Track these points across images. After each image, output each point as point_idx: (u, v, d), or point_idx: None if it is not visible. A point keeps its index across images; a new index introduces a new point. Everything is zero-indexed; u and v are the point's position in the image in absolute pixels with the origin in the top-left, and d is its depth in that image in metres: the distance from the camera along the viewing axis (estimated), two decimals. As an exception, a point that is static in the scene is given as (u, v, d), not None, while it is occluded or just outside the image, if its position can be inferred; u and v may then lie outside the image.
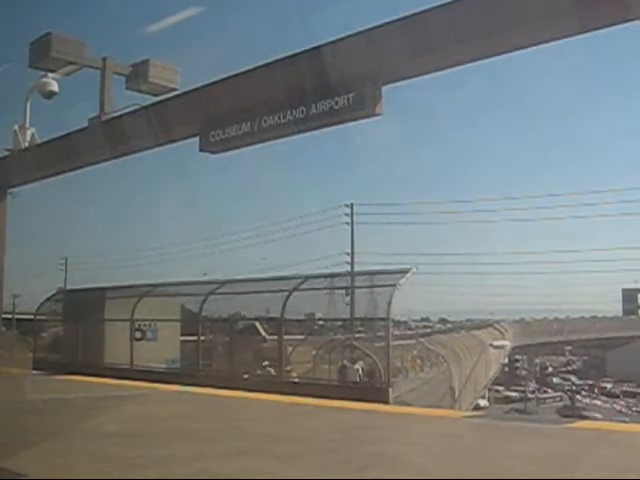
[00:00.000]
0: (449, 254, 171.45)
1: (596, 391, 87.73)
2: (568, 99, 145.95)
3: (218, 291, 23.82)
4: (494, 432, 13.39)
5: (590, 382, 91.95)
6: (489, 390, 70.13)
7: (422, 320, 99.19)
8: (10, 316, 52.30)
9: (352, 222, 60.03)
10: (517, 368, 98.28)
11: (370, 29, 9.65)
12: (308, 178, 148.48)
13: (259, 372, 22.43)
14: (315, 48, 10.30)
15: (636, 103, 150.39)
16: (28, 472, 8.54)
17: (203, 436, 12.13)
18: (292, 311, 21.57)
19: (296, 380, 21.06)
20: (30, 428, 12.38)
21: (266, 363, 22.51)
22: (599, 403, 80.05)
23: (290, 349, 22.31)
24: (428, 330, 74.72)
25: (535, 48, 9.11)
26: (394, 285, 18.40)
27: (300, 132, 11.42)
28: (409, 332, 62.24)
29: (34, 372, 26.09)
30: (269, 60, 11.09)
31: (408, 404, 22.49)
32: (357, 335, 23.08)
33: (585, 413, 60.93)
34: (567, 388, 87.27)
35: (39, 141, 15.89)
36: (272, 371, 21.52)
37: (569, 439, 12.29)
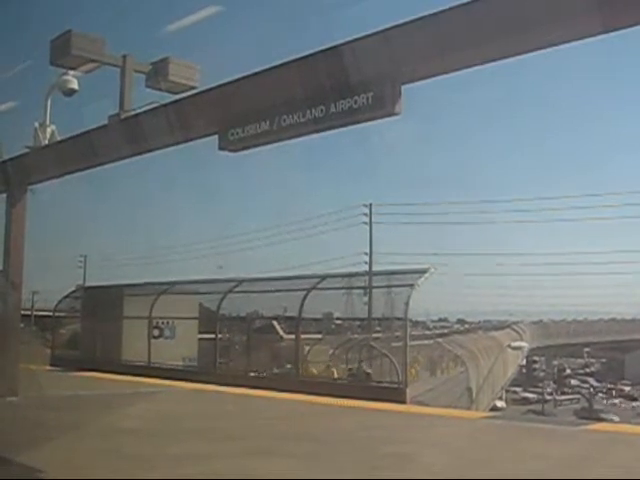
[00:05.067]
0: (468, 254, 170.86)
1: (614, 393, 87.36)
2: (590, 100, 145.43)
3: (236, 289, 23.86)
4: (512, 433, 13.35)
5: (608, 384, 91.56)
6: (506, 391, 69.93)
7: (440, 320, 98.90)
8: (29, 313, 52.59)
9: (370, 222, 60.02)
10: (535, 370, 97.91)
11: (389, 28, 9.60)
12: (327, 177, 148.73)
13: (276, 371, 22.45)
14: (334, 47, 10.27)
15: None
16: (44, 467, 8.59)
17: (220, 435, 12.14)
18: (310, 310, 21.59)
19: (314, 379, 21.06)
20: (47, 424, 12.45)
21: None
22: (617, 405, 79.72)
23: (307, 348, 22.32)
24: (446, 330, 74.55)
25: (558, 48, 9.03)
26: (412, 285, 18.38)
27: (319, 131, 11.39)
28: (427, 332, 62.19)
29: (52, 368, 26.23)
30: (288, 59, 11.07)
31: (425, 404, 22.43)
32: (374, 335, 23.07)
33: (603, 415, 60.71)
34: (585, 390, 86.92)
35: (59, 138, 15.94)
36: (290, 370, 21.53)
37: (586, 441, 12.25)
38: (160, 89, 14.54)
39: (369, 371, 21.28)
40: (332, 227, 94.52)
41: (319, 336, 24.92)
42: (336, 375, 21.54)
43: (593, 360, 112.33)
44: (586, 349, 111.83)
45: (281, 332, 27.31)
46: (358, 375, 20.99)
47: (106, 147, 14.64)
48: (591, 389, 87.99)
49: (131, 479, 8.60)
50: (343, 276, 24.42)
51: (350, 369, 22.33)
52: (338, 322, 27.69)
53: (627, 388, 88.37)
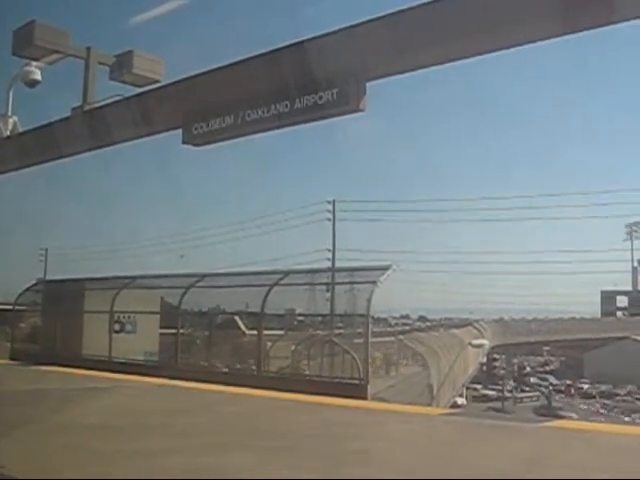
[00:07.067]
0: (430, 252, 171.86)
1: (573, 392, 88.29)
2: (543, 101, 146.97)
3: (198, 284, 23.78)
4: (471, 430, 13.44)
5: (567, 382, 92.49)
6: (467, 389, 70.36)
7: (402, 317, 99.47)
8: (-12, 306, 52.01)
9: (334, 218, 60.34)
10: (495, 367, 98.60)
11: (355, 25, 9.65)
12: (290, 174, 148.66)
13: (239, 366, 22.40)
14: (300, 43, 10.29)
15: (605, 107, 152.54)
16: (4, 462, 8.52)
17: (180, 430, 12.11)
18: (272, 306, 21.56)
19: (275, 375, 21.04)
20: (6, 419, 12.33)
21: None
22: (576, 403, 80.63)
23: (269, 344, 22.29)
24: (407, 327, 74.79)
25: (516, 49, 9.14)
26: (374, 282, 18.44)
27: (284, 126, 11.40)
28: (389, 329, 62.35)
29: (11, 362, 25.97)
30: (254, 54, 11.07)
31: (386, 401, 22.50)
32: (336, 331, 23.10)
33: (561, 413, 61.33)
34: (544, 388, 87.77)
35: (21, 130, 15.77)
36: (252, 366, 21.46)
37: (544, 438, 12.36)
38: (124, 82, 14.46)
39: (305, 369, 21.26)
40: (296, 223, 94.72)
41: (281, 332, 24.89)
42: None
43: (553, 358, 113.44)
44: (546, 347, 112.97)
45: (243, 328, 27.22)
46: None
47: (69, 139, 14.52)
48: (550, 387, 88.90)
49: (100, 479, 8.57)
50: (306, 272, 24.43)
51: (282, 368, 22.23)
52: (300, 318, 27.68)
53: (586, 386, 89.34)
